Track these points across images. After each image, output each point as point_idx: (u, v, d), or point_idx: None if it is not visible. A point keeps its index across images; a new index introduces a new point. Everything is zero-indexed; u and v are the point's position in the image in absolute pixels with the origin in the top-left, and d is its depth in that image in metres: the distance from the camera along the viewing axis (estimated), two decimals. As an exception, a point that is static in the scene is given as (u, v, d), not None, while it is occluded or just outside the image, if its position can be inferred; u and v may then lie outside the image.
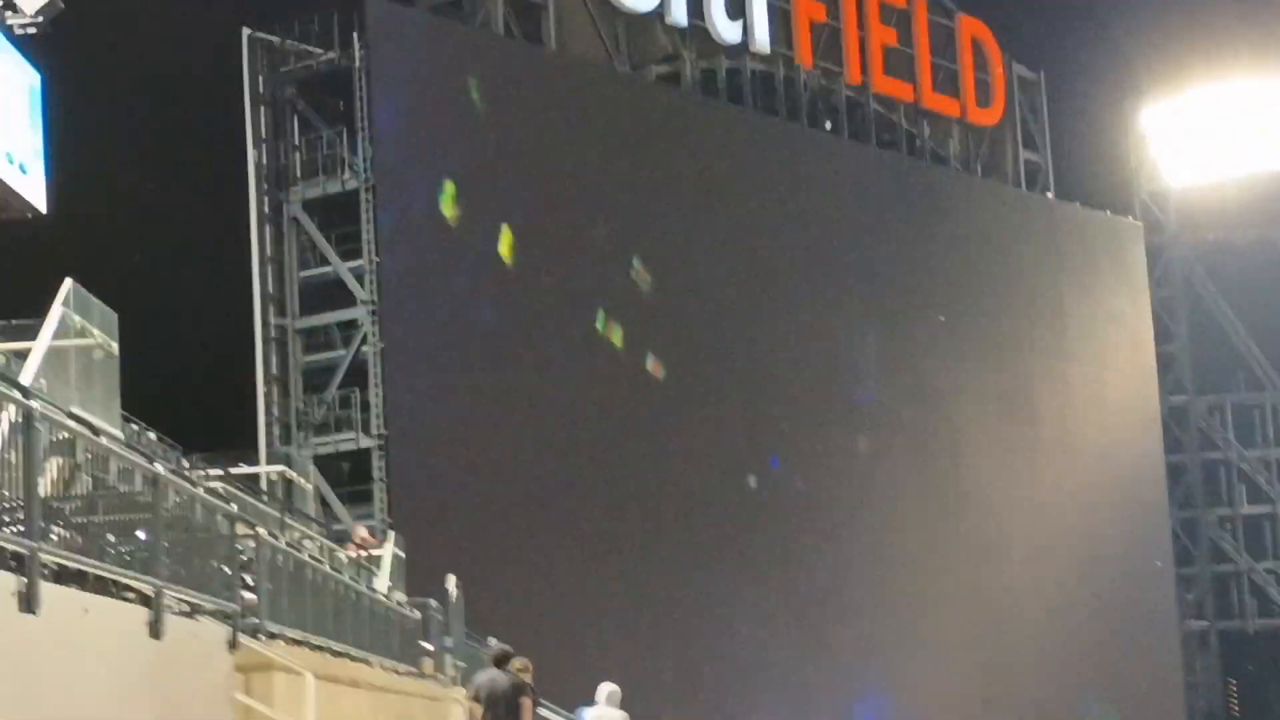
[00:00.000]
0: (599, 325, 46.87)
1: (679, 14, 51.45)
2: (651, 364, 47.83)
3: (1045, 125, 64.78)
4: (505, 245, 44.66)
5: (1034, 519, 60.22)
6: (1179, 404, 69.99)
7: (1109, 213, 66.43)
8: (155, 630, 12.14)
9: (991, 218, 61.18)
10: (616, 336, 47.03)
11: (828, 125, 56.80)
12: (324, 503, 41.66)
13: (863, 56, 57.54)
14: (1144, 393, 66.45)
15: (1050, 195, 64.95)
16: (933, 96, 60.01)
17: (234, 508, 15.53)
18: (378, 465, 42.64)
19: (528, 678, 20.09)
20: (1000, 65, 62.42)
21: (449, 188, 43.77)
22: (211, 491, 15.38)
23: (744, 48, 53.58)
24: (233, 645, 14.51)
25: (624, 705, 20.92)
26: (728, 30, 53.02)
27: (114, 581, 11.62)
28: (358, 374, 43.59)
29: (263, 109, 43.85)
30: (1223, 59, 67.14)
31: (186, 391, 37.92)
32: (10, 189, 23.25)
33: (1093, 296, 64.50)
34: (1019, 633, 58.01)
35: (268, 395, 43.28)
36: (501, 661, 19.37)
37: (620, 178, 48.43)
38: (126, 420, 23.39)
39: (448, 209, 43.60)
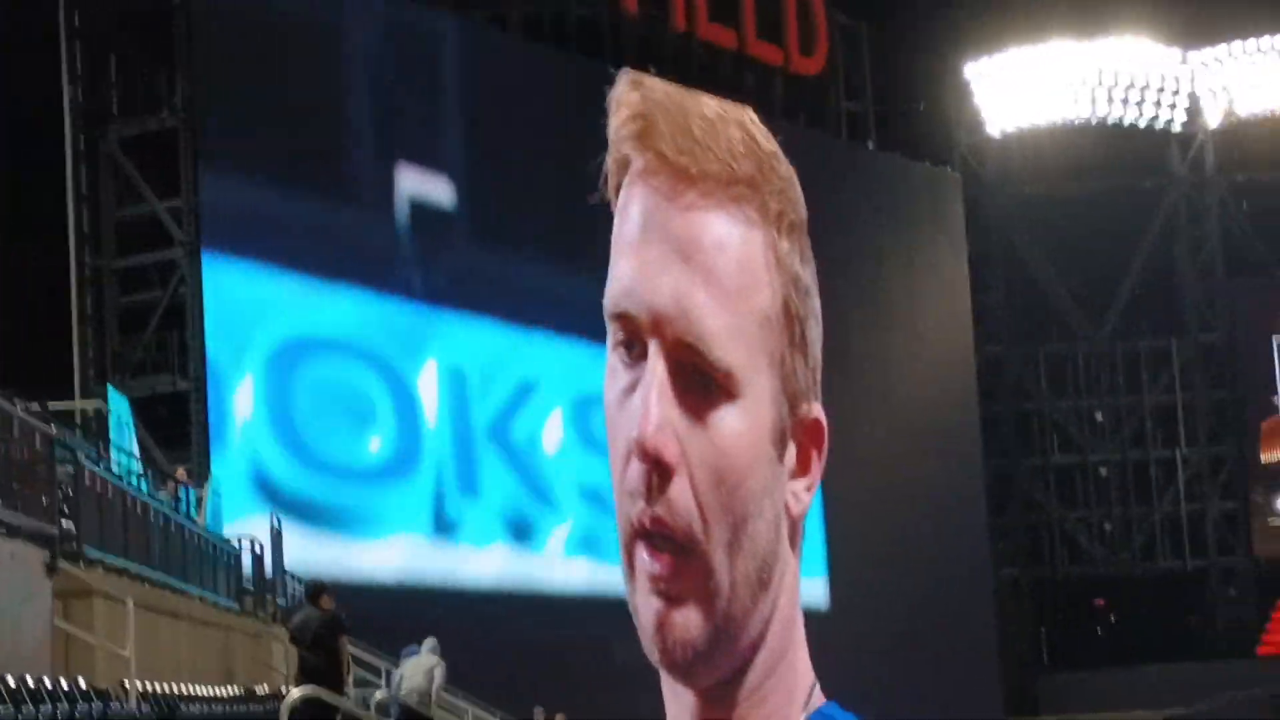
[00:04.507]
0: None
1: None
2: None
3: (867, 75, 65.22)
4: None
5: (855, 471, 60.67)
6: (993, 355, 71.03)
7: (929, 164, 67.11)
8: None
9: (814, 168, 61.24)
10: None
11: (652, 72, 56.43)
12: (142, 445, 40.85)
13: (687, 2, 57.28)
14: (960, 344, 67.28)
15: (871, 146, 65.44)
16: (756, 44, 59.99)
17: (53, 428, 15.22)
18: (195, 409, 41.94)
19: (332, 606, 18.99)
20: (823, 14, 62.52)
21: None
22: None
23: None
24: (51, 569, 14.21)
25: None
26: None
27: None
28: (175, 316, 42.79)
29: (79, 44, 42.72)
30: (1042, 19, 68.14)
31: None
32: None
33: (911, 248, 65.11)
34: (843, 583, 58.47)
35: (82, 336, 42.36)
36: (315, 597, 18.60)
37: (450, 121, 48.05)
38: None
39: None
